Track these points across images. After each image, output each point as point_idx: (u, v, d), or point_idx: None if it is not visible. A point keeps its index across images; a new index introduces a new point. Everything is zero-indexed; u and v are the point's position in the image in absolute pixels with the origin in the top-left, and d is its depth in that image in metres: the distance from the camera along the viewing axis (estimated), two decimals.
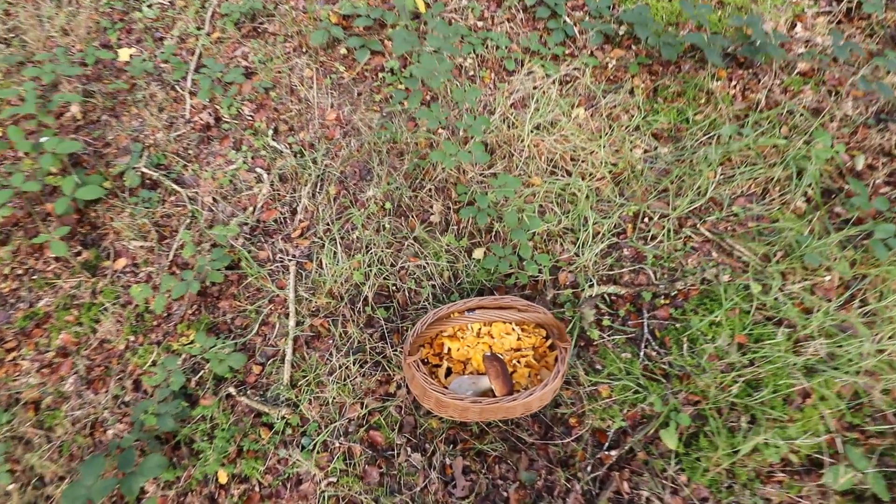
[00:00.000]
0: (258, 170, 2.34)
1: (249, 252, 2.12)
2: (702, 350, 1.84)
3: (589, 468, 1.68)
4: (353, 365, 1.85)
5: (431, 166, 2.21)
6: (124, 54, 2.64)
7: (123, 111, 2.50)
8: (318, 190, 2.25)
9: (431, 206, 2.18)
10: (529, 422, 1.75)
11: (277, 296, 2.02)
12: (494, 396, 1.56)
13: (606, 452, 1.71)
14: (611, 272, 2.03)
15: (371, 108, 2.48)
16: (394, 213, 2.17)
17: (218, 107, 2.52)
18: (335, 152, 2.37)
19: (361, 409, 1.78)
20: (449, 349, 1.66)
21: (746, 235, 2.09)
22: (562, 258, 2.06)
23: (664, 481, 1.66)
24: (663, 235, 2.10)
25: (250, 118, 2.51)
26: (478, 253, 2.04)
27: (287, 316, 1.96)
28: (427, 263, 2.02)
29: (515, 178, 1.99)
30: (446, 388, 1.58)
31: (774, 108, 2.36)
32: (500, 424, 1.72)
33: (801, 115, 2.32)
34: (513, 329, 1.66)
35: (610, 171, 2.26)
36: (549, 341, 1.69)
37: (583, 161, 2.26)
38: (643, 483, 1.66)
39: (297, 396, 1.81)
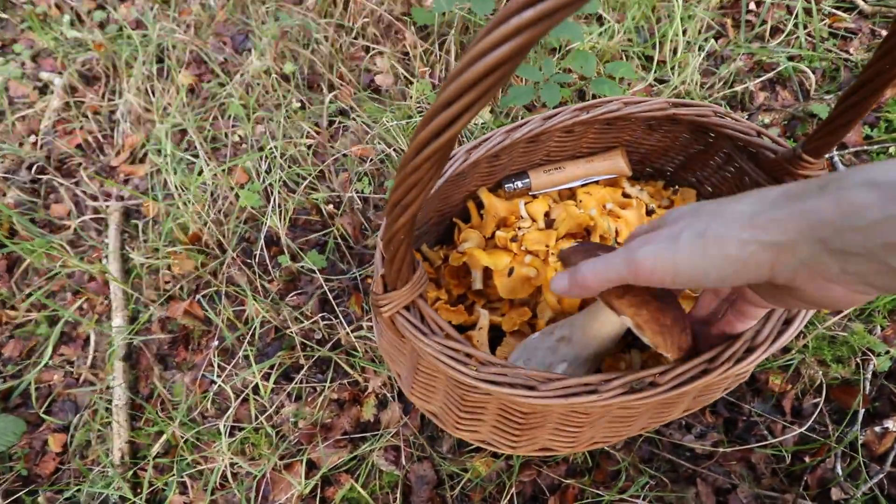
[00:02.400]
0: (44, 75, 1.27)
1: (29, 210, 1.05)
2: None
3: (846, 475, 0.73)
4: (268, 382, 0.82)
5: None
6: None
7: None
8: (156, 80, 1.20)
9: (374, 62, 1.18)
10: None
11: (92, 278, 0.96)
12: (622, 367, 0.58)
13: (871, 430, 0.75)
14: (731, 91, 1.09)
15: None
16: (305, 82, 1.15)
17: None
18: (183, 21, 1.32)
19: (303, 478, 0.75)
20: (489, 275, 0.64)
21: None
22: (634, 90, 1.10)
23: None
24: (791, 24, 1.17)
25: (30, 4, 1.43)
26: (481, 112, 1.05)
27: (109, 315, 0.91)
28: (388, 144, 1.01)
29: None
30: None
31: None
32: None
33: None
34: (625, 188, 0.67)
35: None
36: (676, 189, 0.69)
37: None
38: None
39: (146, 487, 0.77)
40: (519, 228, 0.64)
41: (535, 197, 0.69)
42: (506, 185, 0.67)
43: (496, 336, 0.66)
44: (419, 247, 0.70)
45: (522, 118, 1.04)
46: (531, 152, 0.65)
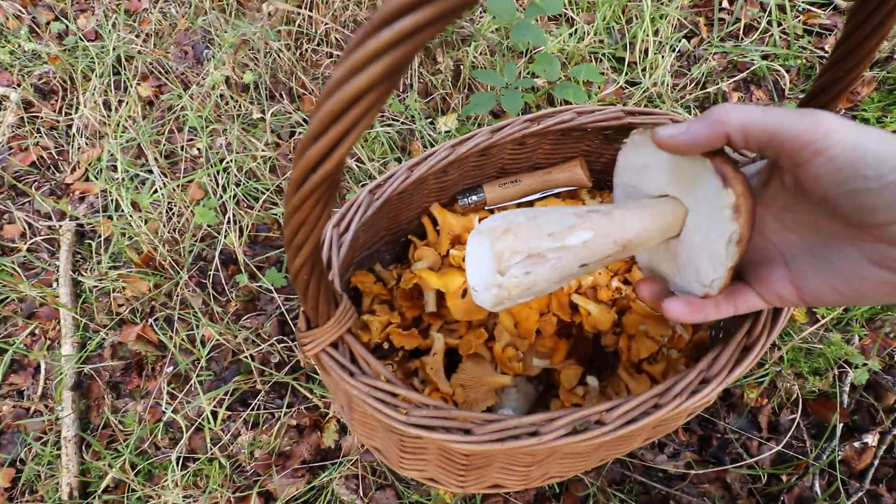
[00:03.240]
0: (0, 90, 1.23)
1: None
2: None
3: (825, 496, 0.70)
4: (221, 409, 0.78)
5: None
6: None
7: None
8: (112, 93, 1.16)
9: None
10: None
11: (43, 303, 0.92)
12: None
13: (850, 446, 0.72)
14: (703, 92, 1.06)
15: None
16: (266, 92, 1.11)
17: None
18: (143, 31, 1.28)
19: None
20: (441, 297, 0.62)
21: None
22: (604, 93, 1.07)
23: None
24: (765, 21, 1.14)
25: None
26: (446, 121, 1.02)
27: (60, 342, 0.87)
28: (351, 155, 0.98)
29: None
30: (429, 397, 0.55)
31: None
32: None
33: None
34: (585, 200, 0.65)
35: None
36: None
37: None
38: None
39: None
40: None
41: (491, 212, 0.65)
42: (460, 201, 0.64)
43: (454, 360, 0.63)
44: (371, 266, 0.66)
45: (489, 125, 1.00)
46: (484, 165, 0.62)
